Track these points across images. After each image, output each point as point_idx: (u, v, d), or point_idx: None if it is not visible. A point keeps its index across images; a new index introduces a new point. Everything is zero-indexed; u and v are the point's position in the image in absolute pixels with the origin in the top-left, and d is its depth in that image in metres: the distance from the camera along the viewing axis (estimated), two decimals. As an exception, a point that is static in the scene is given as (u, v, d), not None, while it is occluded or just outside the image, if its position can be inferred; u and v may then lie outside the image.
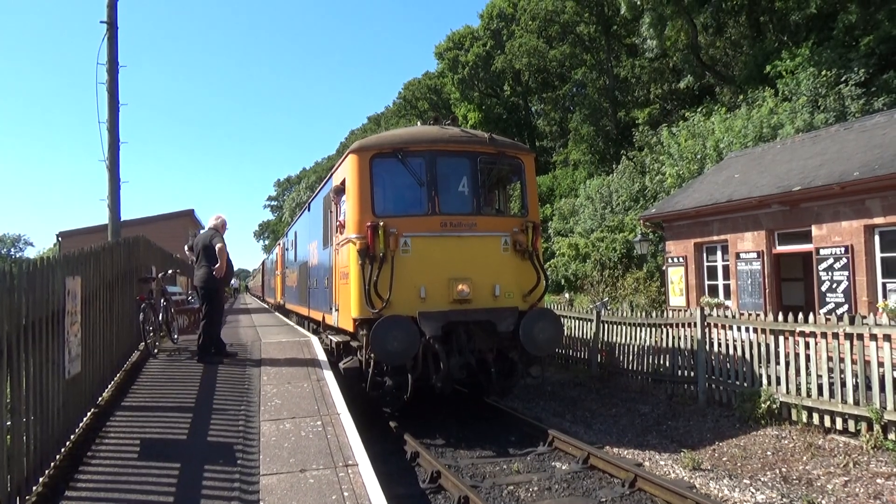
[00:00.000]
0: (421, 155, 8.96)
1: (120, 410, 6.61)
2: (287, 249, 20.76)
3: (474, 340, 8.72)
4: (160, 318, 10.57)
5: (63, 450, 5.40)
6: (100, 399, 6.98)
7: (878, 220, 11.30)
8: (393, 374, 8.48)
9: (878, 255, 11.43)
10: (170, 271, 12.17)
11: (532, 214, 9.46)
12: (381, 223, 8.41)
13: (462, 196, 9.12)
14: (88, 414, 6.42)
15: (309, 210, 14.69)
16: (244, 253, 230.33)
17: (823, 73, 21.21)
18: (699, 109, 26.30)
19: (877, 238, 11.47)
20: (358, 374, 8.97)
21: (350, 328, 9.01)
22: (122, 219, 12.83)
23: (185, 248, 10.24)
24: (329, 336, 10.85)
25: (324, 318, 11.53)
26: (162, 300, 10.79)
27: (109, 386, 7.58)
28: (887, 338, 7.60)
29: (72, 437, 5.71)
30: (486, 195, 9.60)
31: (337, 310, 9.89)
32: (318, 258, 12.54)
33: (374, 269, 8.35)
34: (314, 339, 11.45)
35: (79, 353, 5.92)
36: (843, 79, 20.89)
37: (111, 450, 5.51)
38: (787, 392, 8.74)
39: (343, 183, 9.48)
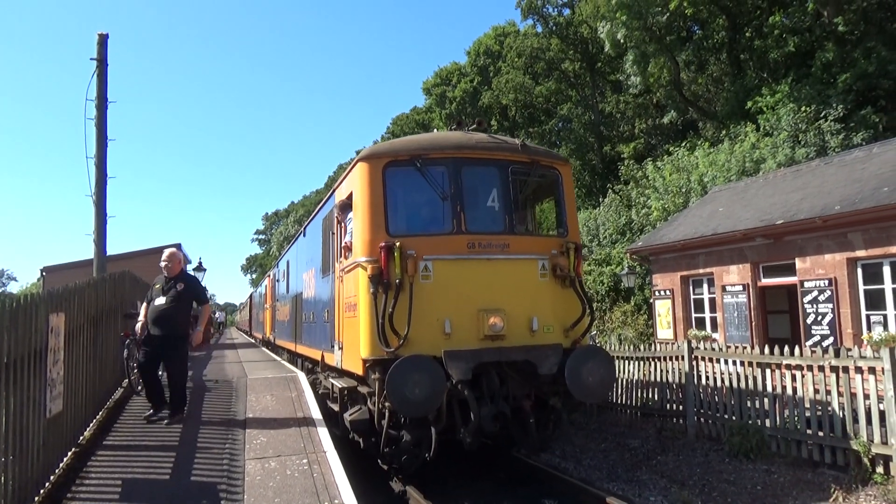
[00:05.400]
0: (443, 163, 7.63)
1: (101, 450, 6.49)
2: (278, 281, 19.55)
3: (508, 385, 7.30)
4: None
5: (42, 491, 5.27)
6: (81, 438, 6.84)
7: (861, 253, 11.45)
8: (412, 427, 7.14)
9: (861, 287, 11.56)
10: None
11: (572, 234, 8.16)
12: (397, 243, 7.09)
13: (492, 212, 7.78)
14: (69, 454, 6.29)
15: (305, 235, 13.22)
16: (231, 287, 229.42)
17: (803, 108, 21.69)
18: (683, 144, 26.71)
19: (859, 270, 11.61)
20: (368, 428, 7.57)
21: (358, 370, 7.49)
22: (108, 253, 12.77)
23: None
24: (330, 379, 9.43)
25: (323, 356, 10.09)
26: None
27: (91, 424, 7.45)
28: (872, 370, 7.65)
29: (51, 477, 5.59)
30: (519, 211, 8.25)
31: (341, 348, 8.47)
32: (315, 288, 11.19)
33: (389, 299, 6.99)
34: (301, 375, 11.32)
35: (60, 392, 5.82)
36: (822, 114, 21.36)
37: (92, 491, 5.39)
38: (776, 425, 8.74)
39: (350, 197, 8.01)
